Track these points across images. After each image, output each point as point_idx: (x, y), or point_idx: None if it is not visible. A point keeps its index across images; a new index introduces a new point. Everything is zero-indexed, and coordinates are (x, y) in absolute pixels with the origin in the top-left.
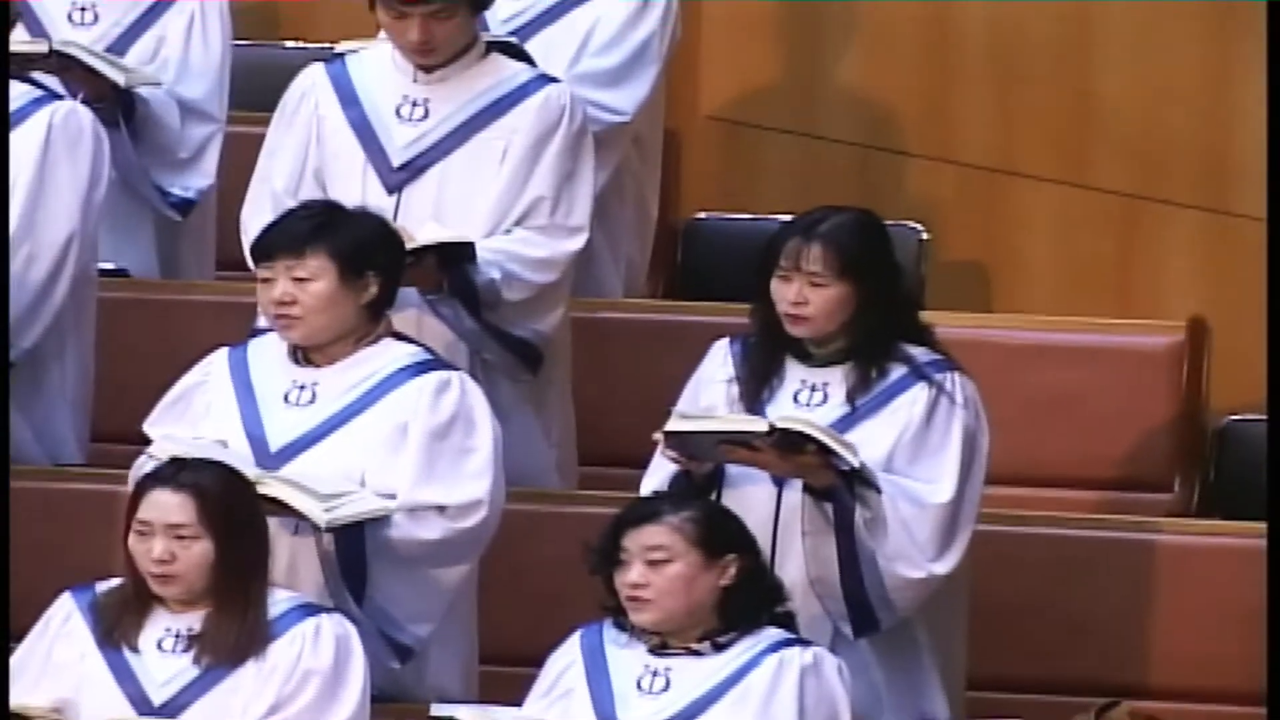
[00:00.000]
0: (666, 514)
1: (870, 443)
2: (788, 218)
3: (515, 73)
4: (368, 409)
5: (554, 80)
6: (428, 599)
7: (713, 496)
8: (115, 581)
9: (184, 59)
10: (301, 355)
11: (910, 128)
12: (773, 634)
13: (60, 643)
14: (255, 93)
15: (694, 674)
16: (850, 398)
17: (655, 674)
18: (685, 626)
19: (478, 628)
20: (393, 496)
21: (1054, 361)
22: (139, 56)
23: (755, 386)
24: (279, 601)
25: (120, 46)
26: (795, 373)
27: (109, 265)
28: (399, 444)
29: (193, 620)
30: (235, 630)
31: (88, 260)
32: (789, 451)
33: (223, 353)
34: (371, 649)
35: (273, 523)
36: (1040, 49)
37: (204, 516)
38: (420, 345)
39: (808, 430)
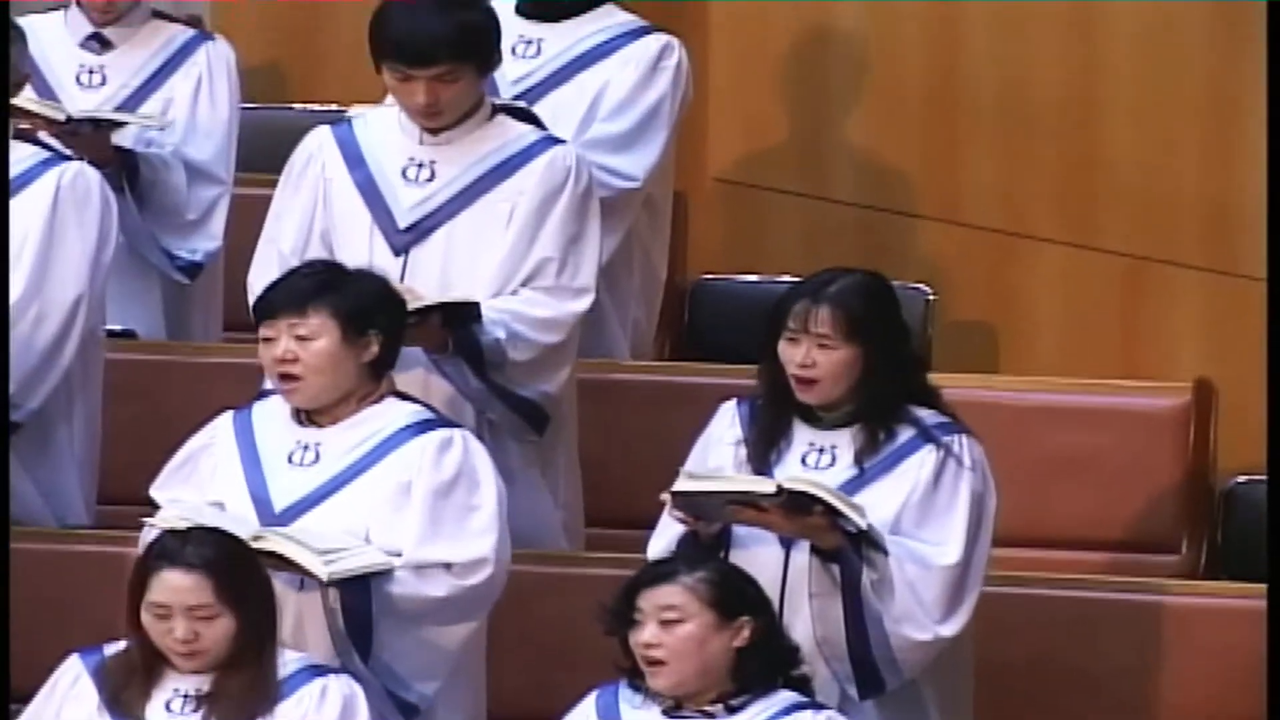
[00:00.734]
0: (681, 574)
1: (878, 505)
2: (795, 279)
3: (521, 134)
4: (371, 468)
5: (560, 141)
6: (433, 657)
7: (720, 557)
8: (123, 643)
9: (191, 121)
10: (305, 415)
11: (917, 189)
12: (786, 697)
13: (69, 705)
14: (264, 155)
15: None
16: (858, 460)
17: None
18: (699, 689)
19: (485, 688)
20: (398, 555)
21: (1061, 423)
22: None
23: (763, 448)
24: (288, 662)
25: (128, 108)
26: (803, 435)
27: (117, 327)
28: (403, 503)
29: (201, 681)
30: (244, 691)
31: (96, 321)
32: (796, 513)
33: (228, 415)
34: (378, 707)
35: (279, 581)
36: (1046, 110)
37: (221, 593)
38: (423, 404)
39: (815, 491)
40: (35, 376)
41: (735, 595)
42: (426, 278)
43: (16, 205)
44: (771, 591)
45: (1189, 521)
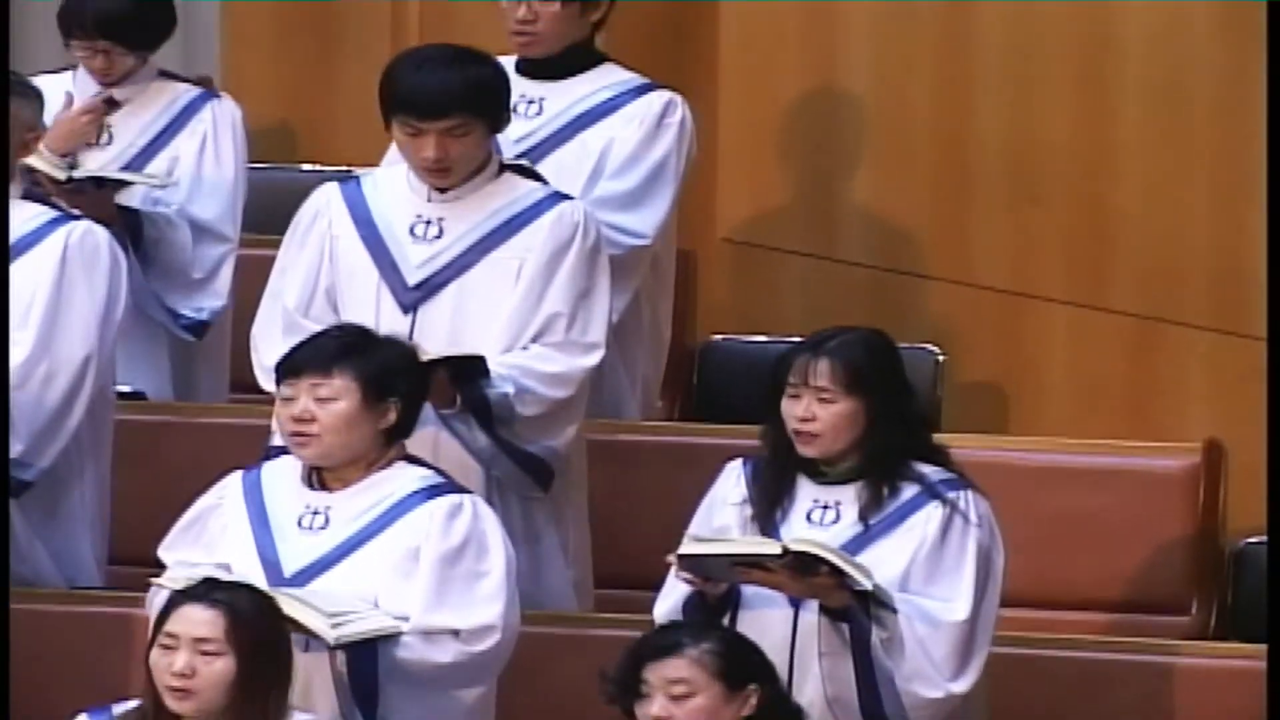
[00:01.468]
0: (687, 646)
1: (885, 562)
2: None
3: (529, 191)
4: (380, 533)
5: (567, 197)
6: None
7: (728, 618)
8: (132, 704)
9: (196, 179)
10: (315, 479)
11: (926, 249)
12: None
13: None
14: (272, 215)
15: None
16: (863, 516)
17: None
18: None
19: None
20: (406, 620)
21: (1071, 483)
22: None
23: (767, 507)
24: None
25: (135, 167)
26: (808, 491)
27: (126, 388)
28: (411, 569)
29: None
30: None
31: (105, 381)
32: (803, 573)
33: (236, 476)
34: None
35: None
36: (1055, 171)
37: (231, 634)
38: (433, 469)
39: (820, 552)
40: (45, 436)
41: (742, 664)
42: (435, 335)
43: (25, 264)
44: (780, 651)
45: (1198, 582)
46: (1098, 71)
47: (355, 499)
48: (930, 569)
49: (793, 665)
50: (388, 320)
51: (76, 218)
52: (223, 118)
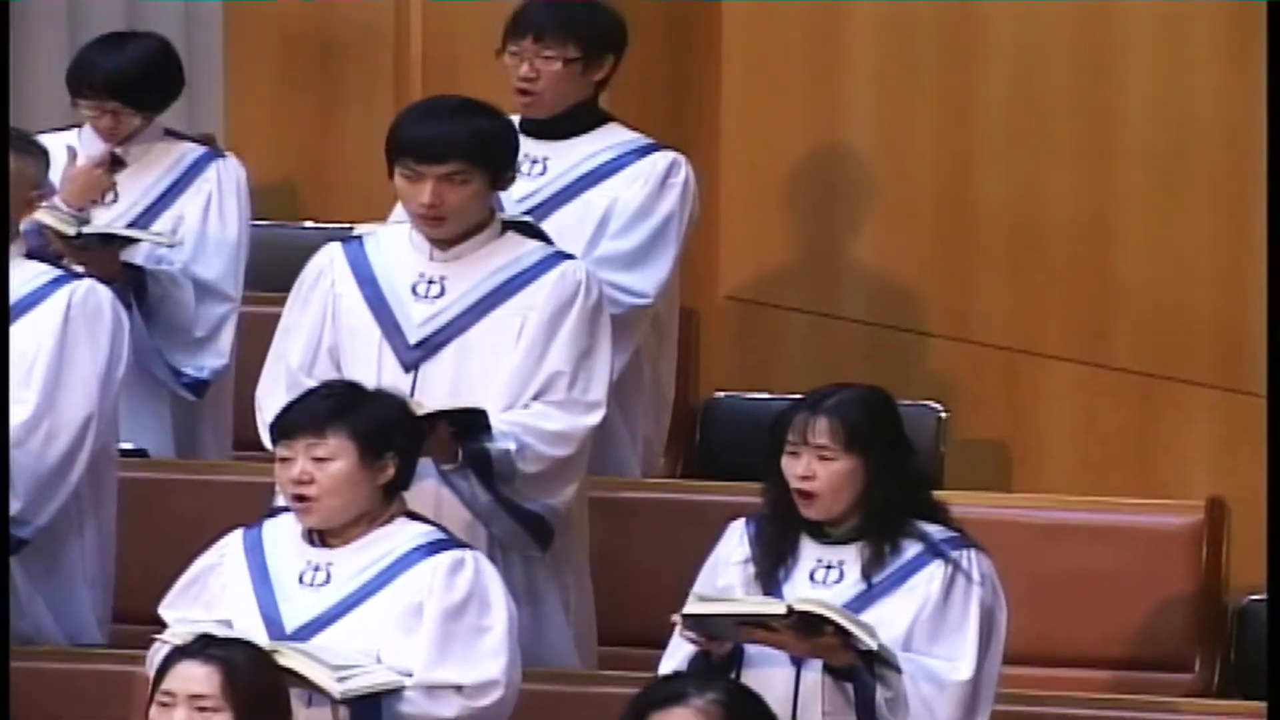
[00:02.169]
0: (692, 696)
1: (888, 621)
2: None
3: (531, 250)
4: (382, 589)
5: (569, 256)
6: None
7: (732, 676)
8: None
9: (200, 238)
10: (316, 535)
11: (928, 307)
12: None
13: None
14: (274, 272)
15: None
16: (866, 575)
17: None
18: None
19: None
20: (409, 675)
21: (1073, 541)
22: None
23: (770, 566)
24: None
25: (140, 225)
26: (810, 551)
27: (128, 445)
28: (414, 624)
29: None
30: None
31: (107, 439)
32: (807, 632)
33: (238, 534)
34: None
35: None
36: (1057, 228)
37: (228, 690)
38: (434, 525)
39: (825, 612)
40: (43, 494)
41: (746, 714)
42: (436, 393)
43: (28, 323)
44: (783, 710)
45: (1202, 640)
46: (1100, 132)
47: (357, 555)
48: (933, 628)
49: None
50: (389, 378)
51: (79, 277)
52: (227, 177)
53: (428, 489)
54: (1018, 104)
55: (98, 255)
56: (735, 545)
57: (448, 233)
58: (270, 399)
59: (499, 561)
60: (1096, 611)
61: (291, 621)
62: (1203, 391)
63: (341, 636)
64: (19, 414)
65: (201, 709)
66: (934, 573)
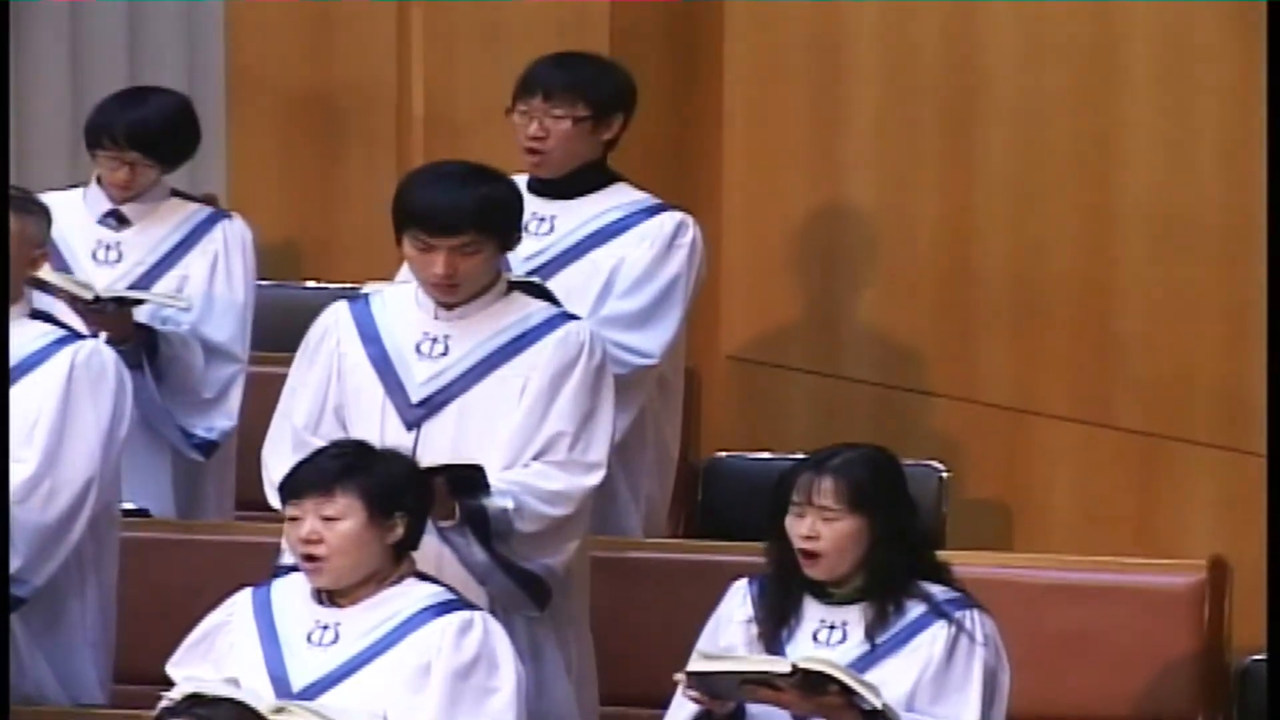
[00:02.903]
0: None
1: (892, 681)
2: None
3: (535, 310)
4: (391, 649)
5: (573, 317)
6: None
7: None
8: None
9: (208, 300)
10: (325, 595)
11: (930, 367)
12: None
13: None
14: (279, 332)
15: None
16: (869, 636)
17: None
18: None
19: None
20: None
21: (1075, 601)
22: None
23: (773, 626)
24: None
25: (144, 285)
26: (814, 611)
27: (130, 505)
28: (422, 684)
29: None
30: None
31: (109, 499)
32: (811, 691)
33: (246, 593)
34: None
35: None
36: (1059, 288)
37: None
38: (443, 585)
39: (830, 671)
40: (42, 554)
41: None
42: (438, 452)
43: (31, 382)
44: None
45: (1204, 700)
46: (1102, 193)
47: (365, 615)
48: (936, 689)
49: None
50: (392, 437)
51: (82, 336)
52: (233, 238)
53: (429, 546)
54: (1019, 165)
55: (111, 317)
56: (738, 605)
57: (460, 298)
58: (276, 458)
59: (500, 621)
60: (1099, 671)
61: (299, 680)
62: (1204, 451)
63: (349, 696)
64: (20, 473)
65: None
66: (937, 633)
